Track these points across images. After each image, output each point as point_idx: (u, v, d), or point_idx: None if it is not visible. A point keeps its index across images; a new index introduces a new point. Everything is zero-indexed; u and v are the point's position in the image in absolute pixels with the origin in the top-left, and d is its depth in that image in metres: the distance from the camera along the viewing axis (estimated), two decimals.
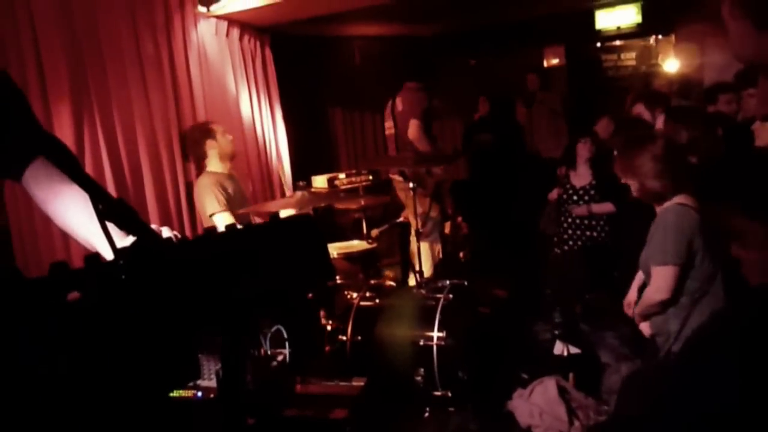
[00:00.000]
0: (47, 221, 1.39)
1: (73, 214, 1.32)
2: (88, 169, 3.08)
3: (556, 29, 6.22)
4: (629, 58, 6.94)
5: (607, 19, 6.13)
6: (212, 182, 3.34)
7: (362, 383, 1.76)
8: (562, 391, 2.65)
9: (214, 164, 3.46)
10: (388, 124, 4.56)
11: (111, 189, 3.16)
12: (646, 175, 2.39)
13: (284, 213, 3.45)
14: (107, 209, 0.66)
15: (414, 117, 4.23)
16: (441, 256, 4.77)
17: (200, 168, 3.52)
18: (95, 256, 0.70)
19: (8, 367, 0.56)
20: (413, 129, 4.20)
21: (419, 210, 4.21)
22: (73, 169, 0.69)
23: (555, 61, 6.66)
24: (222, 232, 0.87)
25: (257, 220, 3.39)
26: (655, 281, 2.32)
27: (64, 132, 2.95)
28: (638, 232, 3.09)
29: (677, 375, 1.29)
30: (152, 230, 0.72)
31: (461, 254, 5.47)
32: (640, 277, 2.95)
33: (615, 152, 3.79)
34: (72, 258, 2.77)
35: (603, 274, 4.09)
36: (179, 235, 1.17)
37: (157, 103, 3.51)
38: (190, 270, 0.76)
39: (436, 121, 4.89)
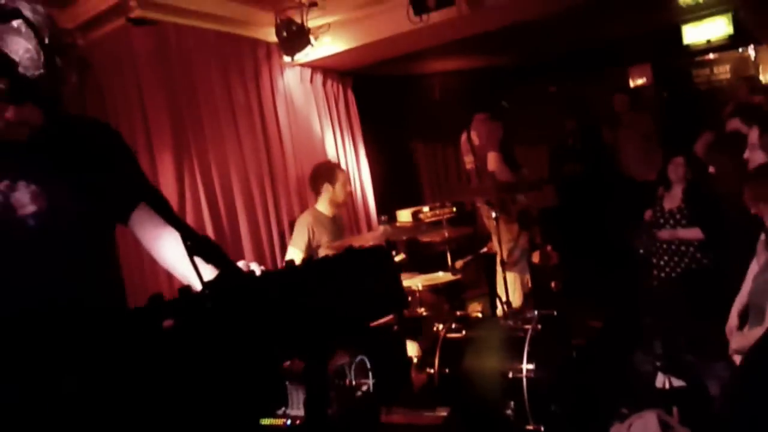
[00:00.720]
0: (153, 262, 1.53)
1: (172, 253, 1.45)
2: (189, 214, 3.33)
3: (640, 48, 6.03)
4: (723, 71, 6.58)
5: (695, 33, 5.86)
6: (310, 221, 3.58)
7: (446, 413, 1.76)
8: (665, 426, 2.49)
9: (323, 204, 3.72)
10: (468, 159, 4.57)
11: (210, 232, 3.39)
12: None
13: None
14: (195, 246, 0.74)
15: (492, 149, 4.24)
16: (531, 285, 4.67)
17: (311, 201, 3.79)
18: (187, 288, 0.78)
19: (110, 389, 0.64)
20: (492, 161, 4.20)
21: (506, 238, 4.17)
22: (167, 212, 0.78)
23: (641, 81, 6.43)
24: (301, 264, 0.94)
25: None
26: None
27: (168, 181, 3.22)
28: (740, 258, 2.90)
29: None
30: (235, 264, 0.80)
31: (552, 284, 5.32)
32: (739, 302, 2.75)
33: (711, 169, 3.60)
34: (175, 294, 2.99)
35: (705, 302, 3.84)
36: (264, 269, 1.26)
37: (249, 149, 3.75)
38: (270, 300, 0.82)
39: (519, 148, 4.86)
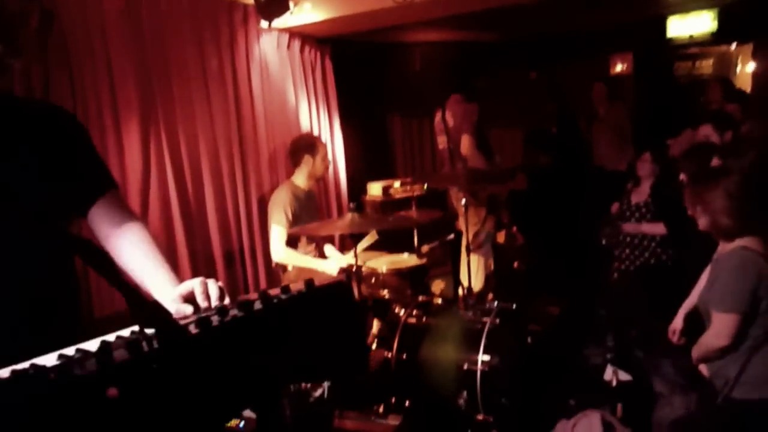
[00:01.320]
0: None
1: (129, 254, 1.41)
2: (153, 182, 3.24)
3: (624, 37, 6.01)
4: (705, 66, 6.62)
5: (679, 27, 5.86)
6: (289, 196, 3.58)
7: (397, 422, 1.80)
8: (608, 427, 2.60)
9: (300, 178, 3.73)
10: (441, 139, 4.56)
11: (174, 200, 3.32)
12: (717, 211, 2.31)
13: (330, 250, 3.56)
14: (139, 313, 0.72)
15: (465, 132, 4.22)
16: (493, 269, 4.74)
17: (287, 174, 3.77)
18: (134, 341, 0.76)
19: None
20: (465, 145, 4.19)
21: (473, 221, 4.21)
22: (105, 265, 0.74)
23: (621, 68, 6.44)
24: (257, 309, 0.93)
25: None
26: (716, 327, 2.24)
27: (133, 147, 3.12)
28: (699, 259, 2.98)
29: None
30: (179, 326, 0.78)
31: (515, 264, 5.41)
32: (688, 304, 2.85)
33: (681, 176, 3.66)
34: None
35: (661, 298, 3.96)
36: (222, 286, 1.24)
37: (220, 116, 3.66)
38: (219, 355, 0.81)
39: (496, 131, 4.86)
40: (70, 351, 0.94)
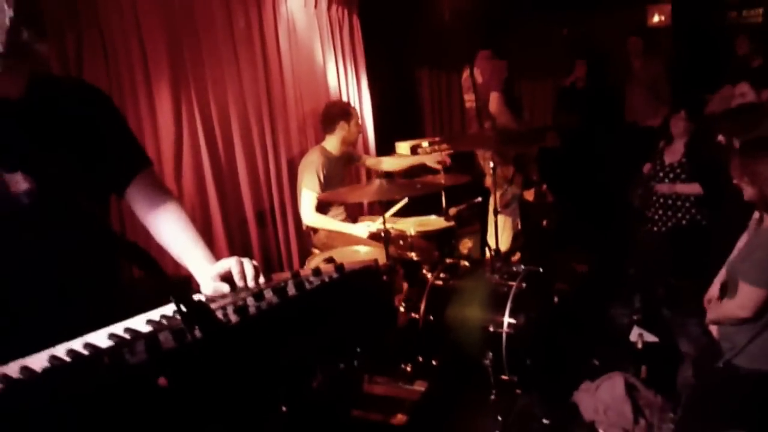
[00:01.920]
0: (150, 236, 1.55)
1: (168, 232, 1.47)
2: (185, 143, 3.30)
3: None
4: (754, 15, 6.25)
5: None
6: (319, 161, 3.62)
7: (423, 388, 1.87)
8: (631, 389, 2.65)
9: (332, 144, 3.77)
10: (469, 97, 4.50)
11: (206, 163, 3.39)
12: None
13: (359, 229, 3.63)
14: (180, 301, 0.77)
15: (494, 89, 4.16)
16: (519, 228, 4.74)
17: (316, 134, 3.82)
18: (180, 332, 0.82)
19: None
20: (494, 103, 4.14)
21: (500, 180, 4.19)
22: (146, 261, 0.79)
23: (658, 19, 6.17)
24: (292, 295, 0.98)
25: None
26: (741, 298, 2.24)
27: (165, 113, 3.17)
28: (734, 220, 2.94)
29: None
30: (219, 320, 0.83)
31: (544, 222, 5.40)
32: (723, 272, 2.83)
33: (719, 137, 3.57)
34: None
35: (691, 259, 3.93)
36: (257, 265, 1.29)
37: (248, 77, 3.67)
38: (257, 342, 0.87)
39: (525, 84, 4.78)
40: (119, 330, 1.01)
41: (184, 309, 0.75)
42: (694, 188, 3.95)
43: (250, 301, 0.97)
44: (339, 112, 3.76)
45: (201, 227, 3.34)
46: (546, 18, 6.20)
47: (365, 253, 3.27)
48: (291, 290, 0.99)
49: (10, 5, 1.12)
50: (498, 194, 4.08)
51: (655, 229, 4.22)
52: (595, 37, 6.18)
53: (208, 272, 1.27)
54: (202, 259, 1.38)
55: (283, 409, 1.18)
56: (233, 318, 0.88)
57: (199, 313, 0.75)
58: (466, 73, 4.52)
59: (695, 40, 6.04)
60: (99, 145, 1.40)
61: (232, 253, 3.48)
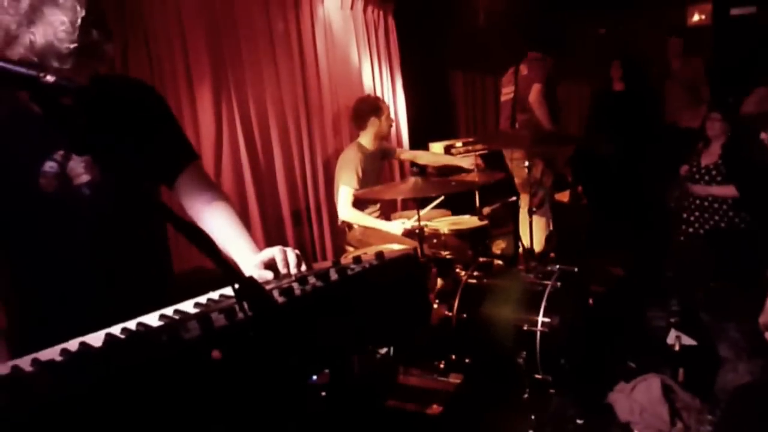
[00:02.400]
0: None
1: (215, 222, 1.53)
2: (225, 142, 3.40)
3: None
4: None
5: None
6: (357, 157, 3.67)
7: (458, 380, 1.89)
8: (667, 390, 2.61)
9: (367, 139, 3.81)
10: (507, 90, 4.54)
11: (245, 161, 3.47)
12: None
13: (393, 226, 3.68)
14: (239, 288, 0.82)
15: (537, 81, 4.21)
16: (552, 229, 4.70)
17: (351, 134, 3.90)
18: (231, 310, 0.86)
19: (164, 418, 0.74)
20: (534, 93, 4.21)
21: (531, 177, 4.20)
22: (207, 245, 0.83)
23: (698, 19, 6.05)
24: (334, 279, 1.02)
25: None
26: None
27: (206, 112, 3.27)
28: None
29: None
30: (271, 297, 0.87)
31: (579, 224, 5.34)
32: None
33: (763, 135, 3.49)
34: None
35: (730, 262, 3.85)
36: (299, 254, 1.33)
37: (286, 77, 3.75)
38: (303, 322, 0.91)
39: (563, 84, 4.77)
40: (169, 312, 1.06)
41: (236, 285, 0.79)
42: (728, 190, 3.88)
43: (295, 285, 1.01)
44: (369, 108, 3.81)
45: None
46: (583, 18, 6.15)
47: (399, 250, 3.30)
48: (333, 275, 1.03)
49: (83, 6, 1.17)
50: (529, 195, 4.09)
51: (691, 230, 4.15)
52: (634, 37, 6.09)
53: (253, 261, 1.31)
54: (247, 250, 1.43)
55: (323, 394, 1.22)
56: (280, 299, 0.92)
57: (251, 288, 0.79)
58: (511, 70, 4.56)
59: (736, 39, 5.91)
60: (152, 138, 1.47)
61: None
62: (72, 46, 1.16)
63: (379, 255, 1.12)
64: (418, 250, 2.98)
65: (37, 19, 1.14)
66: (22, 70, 0.70)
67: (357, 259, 1.14)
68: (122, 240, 1.41)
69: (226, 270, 0.78)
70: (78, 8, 1.16)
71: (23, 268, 1.38)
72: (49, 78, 0.70)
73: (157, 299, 1.19)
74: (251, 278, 0.81)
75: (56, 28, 1.14)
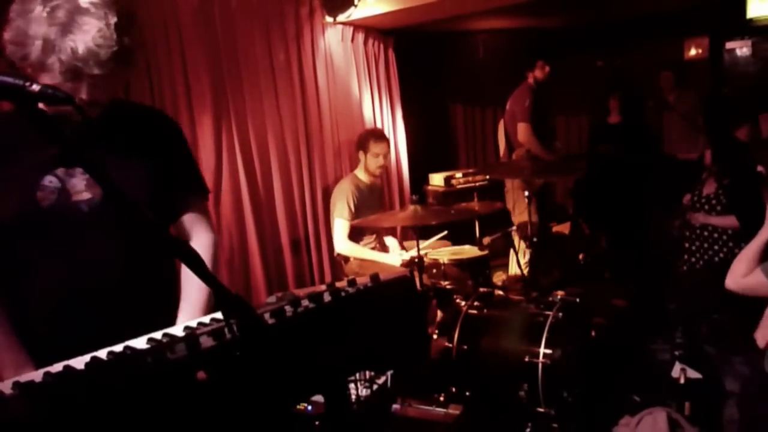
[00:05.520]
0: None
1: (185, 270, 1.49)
2: (225, 175, 3.40)
3: (699, 19, 5.72)
4: None
5: (761, 7, 5.51)
6: (350, 188, 3.66)
7: (458, 411, 1.84)
8: (674, 425, 2.55)
9: (361, 171, 3.82)
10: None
11: (244, 191, 3.47)
12: None
13: (390, 242, 3.63)
14: (227, 306, 0.80)
15: (520, 120, 4.21)
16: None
17: (351, 165, 3.98)
18: (219, 331, 0.84)
19: None
20: (522, 133, 4.20)
21: (519, 209, 4.18)
22: (199, 266, 0.81)
23: (695, 53, 6.13)
24: (327, 301, 0.99)
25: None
26: None
27: (206, 141, 3.28)
28: None
29: None
30: (260, 317, 0.85)
31: (581, 256, 5.31)
32: None
33: (759, 168, 3.50)
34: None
35: (734, 294, 3.80)
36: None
37: (287, 109, 3.78)
38: (292, 345, 0.88)
39: (560, 116, 4.80)
40: (158, 335, 1.03)
41: (226, 302, 0.77)
42: (728, 221, 3.85)
43: (287, 306, 0.98)
44: (360, 141, 3.83)
45: (238, 253, 3.43)
46: (582, 51, 6.24)
47: None
48: (326, 297, 1.00)
49: (113, 13, 1.19)
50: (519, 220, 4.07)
51: (693, 260, 4.12)
52: (631, 70, 6.17)
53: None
54: (191, 314, 1.40)
55: (316, 423, 1.18)
56: (270, 320, 0.89)
57: (239, 308, 0.77)
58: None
59: (732, 74, 5.98)
60: (165, 169, 1.46)
61: (267, 280, 3.55)
62: (111, 50, 1.19)
63: (374, 277, 1.09)
64: (417, 280, 2.94)
65: (74, 28, 1.17)
66: (8, 79, 0.69)
67: (351, 282, 1.12)
68: (121, 259, 1.39)
69: (216, 288, 0.76)
70: (109, 15, 1.18)
71: (19, 280, 1.37)
72: (35, 87, 0.69)
73: (158, 319, 1.16)
74: (239, 297, 0.79)
75: (94, 35, 1.17)
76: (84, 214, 1.35)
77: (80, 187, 1.35)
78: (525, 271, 3.77)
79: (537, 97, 4.38)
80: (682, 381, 3.09)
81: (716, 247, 3.97)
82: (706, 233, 4.00)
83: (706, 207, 4.00)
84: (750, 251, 2.49)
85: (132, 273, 1.41)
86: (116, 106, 1.39)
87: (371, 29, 4.51)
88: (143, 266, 1.43)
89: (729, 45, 5.82)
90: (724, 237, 3.92)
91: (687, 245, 4.15)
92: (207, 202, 1.61)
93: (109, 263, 1.38)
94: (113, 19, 1.19)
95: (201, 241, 1.53)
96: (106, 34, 1.18)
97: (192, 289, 1.45)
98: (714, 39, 5.89)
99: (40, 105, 0.75)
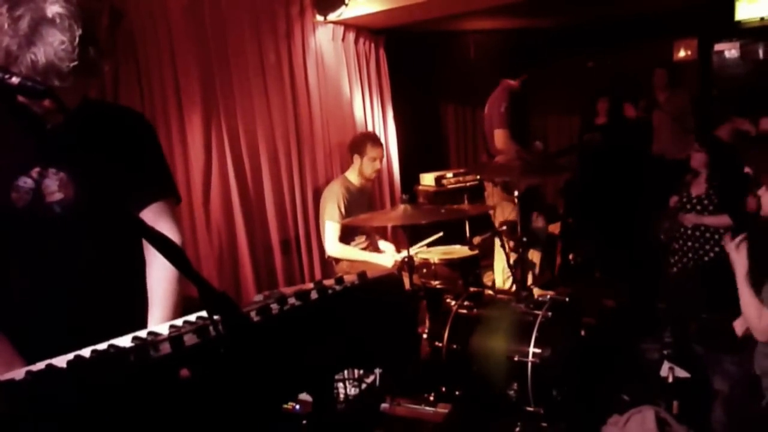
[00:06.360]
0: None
1: (154, 274, 1.49)
2: (215, 171, 3.38)
3: (688, 21, 5.76)
4: None
5: (749, 9, 5.56)
6: (341, 191, 3.64)
7: (446, 410, 1.84)
8: (662, 423, 2.56)
9: (353, 174, 3.79)
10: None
11: (234, 191, 3.46)
12: None
13: (384, 245, 3.60)
14: (211, 303, 0.79)
15: (497, 126, 4.14)
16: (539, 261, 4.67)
17: (342, 166, 3.93)
18: (203, 329, 0.83)
19: None
20: (500, 140, 4.12)
21: (506, 211, 4.15)
22: (180, 260, 0.80)
23: (684, 54, 6.18)
24: (314, 299, 0.98)
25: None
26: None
27: (195, 140, 3.26)
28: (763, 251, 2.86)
29: None
30: (245, 315, 0.84)
31: (570, 257, 5.33)
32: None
33: (746, 169, 3.52)
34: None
35: (724, 294, 3.83)
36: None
37: (277, 107, 3.76)
38: (280, 340, 0.87)
39: (551, 117, 4.77)
40: (142, 334, 1.02)
41: (210, 299, 0.76)
42: (722, 220, 3.88)
43: (273, 304, 0.97)
44: (355, 145, 3.79)
45: (228, 253, 3.42)
46: (572, 53, 6.26)
47: None
48: (314, 295, 1.00)
49: (79, 25, 1.18)
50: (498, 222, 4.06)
51: (684, 260, 4.14)
52: (621, 71, 6.19)
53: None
54: (161, 319, 1.40)
55: (304, 422, 1.17)
56: (256, 318, 0.89)
57: (223, 303, 0.76)
58: None
59: (721, 76, 6.03)
60: (132, 165, 1.45)
61: (257, 280, 3.53)
62: (72, 64, 1.18)
63: (362, 275, 1.09)
64: (408, 281, 2.94)
65: (36, 40, 1.16)
66: None
67: (339, 280, 1.11)
68: (94, 260, 1.40)
69: (199, 284, 0.75)
70: (75, 27, 1.17)
71: None
72: (15, 80, 0.68)
73: (132, 320, 1.15)
74: (224, 294, 0.78)
75: (56, 47, 1.16)
76: (57, 215, 1.35)
77: (53, 188, 1.35)
78: (512, 272, 3.77)
79: (513, 99, 4.27)
80: (670, 380, 3.11)
81: (707, 247, 4.00)
82: (698, 233, 4.03)
83: (698, 207, 4.02)
84: (744, 294, 2.55)
85: (103, 273, 1.41)
86: (88, 107, 1.39)
87: (362, 28, 4.51)
88: (115, 267, 1.43)
89: (717, 47, 5.87)
90: (716, 236, 3.95)
91: (676, 246, 4.18)
92: (175, 207, 1.57)
93: (83, 263, 1.38)
94: (78, 31, 1.18)
95: (160, 263, 1.50)
96: (68, 48, 1.17)
97: (160, 293, 1.45)
98: (703, 41, 5.94)
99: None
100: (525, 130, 4.37)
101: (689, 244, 4.09)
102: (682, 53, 6.19)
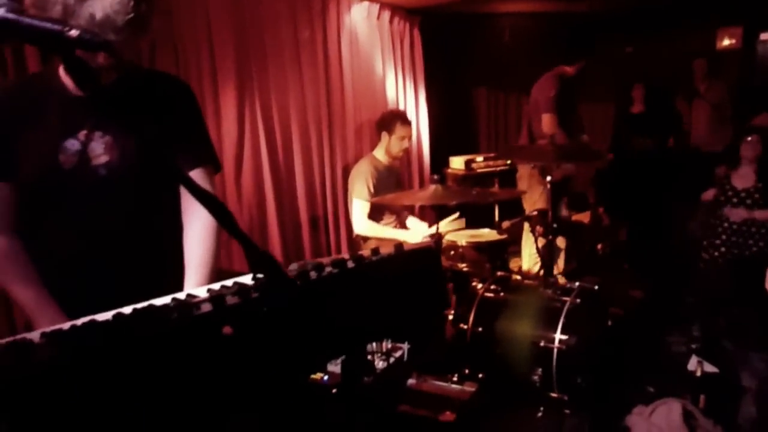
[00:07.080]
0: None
1: (187, 240, 1.49)
2: (247, 146, 3.40)
3: (733, 9, 5.57)
4: None
5: None
6: (369, 169, 3.63)
7: (473, 388, 1.83)
8: (688, 416, 2.52)
9: (380, 152, 3.77)
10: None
11: (265, 166, 3.47)
12: None
13: (412, 222, 3.59)
14: (257, 262, 0.79)
15: (544, 111, 4.06)
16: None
17: (372, 144, 3.90)
18: (244, 288, 0.84)
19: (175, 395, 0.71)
20: (547, 124, 4.04)
21: (535, 197, 4.09)
22: (228, 221, 0.81)
23: (728, 43, 5.98)
24: (350, 267, 0.99)
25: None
26: None
27: (229, 114, 3.28)
28: None
29: None
30: (287, 274, 0.85)
31: (599, 246, 5.26)
32: None
33: None
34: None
35: (756, 289, 3.74)
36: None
37: (310, 84, 3.76)
38: (318, 306, 0.88)
39: (586, 105, 4.67)
40: (181, 296, 1.04)
41: (255, 257, 0.77)
42: None
43: (312, 271, 0.98)
44: (385, 122, 3.75)
45: (258, 227, 3.45)
46: (611, 37, 6.11)
47: None
48: (350, 263, 1.00)
49: None
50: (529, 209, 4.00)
51: (717, 254, 4.06)
52: (660, 58, 6.03)
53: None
54: (196, 284, 1.41)
55: (333, 391, 1.18)
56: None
57: (267, 262, 0.77)
58: None
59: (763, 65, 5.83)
60: (176, 130, 1.46)
61: (285, 256, 3.56)
62: (127, 17, 1.21)
63: (398, 246, 1.09)
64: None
65: None
66: (47, 25, 0.69)
67: (375, 251, 1.11)
68: (134, 222, 1.43)
69: (244, 242, 0.76)
70: None
71: (43, 239, 1.41)
72: (74, 32, 0.69)
73: (169, 283, 1.16)
74: (268, 253, 0.78)
75: (111, 1, 1.19)
76: (101, 177, 1.37)
77: (99, 150, 1.37)
78: (540, 259, 3.73)
79: (564, 87, 4.21)
80: (698, 374, 3.06)
81: (750, 242, 3.93)
82: (744, 228, 3.94)
83: (748, 201, 3.92)
84: None
85: (143, 236, 1.44)
86: (135, 71, 1.42)
87: (397, 8, 4.46)
88: (154, 231, 1.46)
89: (763, 36, 5.67)
90: (762, 230, 3.87)
91: (716, 240, 4.09)
92: (214, 175, 1.58)
93: (123, 225, 1.42)
94: None
95: (200, 213, 1.51)
96: (124, 1, 1.20)
97: (197, 258, 1.46)
98: (748, 29, 5.75)
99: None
100: (573, 121, 4.28)
101: (733, 239, 4.00)
102: (726, 42, 6.00)
